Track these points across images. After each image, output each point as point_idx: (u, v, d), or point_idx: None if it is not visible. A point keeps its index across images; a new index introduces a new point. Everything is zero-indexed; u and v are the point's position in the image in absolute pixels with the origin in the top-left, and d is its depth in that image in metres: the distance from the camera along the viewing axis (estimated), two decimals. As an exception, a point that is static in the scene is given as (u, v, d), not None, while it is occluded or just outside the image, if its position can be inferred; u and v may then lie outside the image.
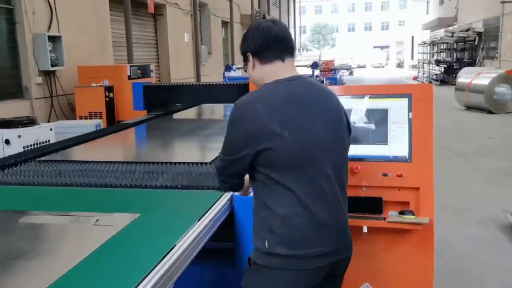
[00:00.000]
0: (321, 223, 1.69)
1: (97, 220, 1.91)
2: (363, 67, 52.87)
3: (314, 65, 8.58)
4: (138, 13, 11.36)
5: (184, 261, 1.63)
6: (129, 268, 1.47)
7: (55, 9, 7.77)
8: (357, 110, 2.44)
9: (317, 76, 8.83)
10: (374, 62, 56.05)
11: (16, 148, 4.98)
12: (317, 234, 1.68)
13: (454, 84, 15.77)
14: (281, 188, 1.66)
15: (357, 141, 2.41)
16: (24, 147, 5.08)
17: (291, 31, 35.64)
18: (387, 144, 2.38)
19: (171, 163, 2.68)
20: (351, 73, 34.40)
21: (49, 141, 5.40)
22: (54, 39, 7.60)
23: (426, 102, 2.36)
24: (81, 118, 7.36)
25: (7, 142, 5.19)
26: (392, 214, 2.31)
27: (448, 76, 23.96)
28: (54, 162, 2.82)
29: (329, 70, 14.62)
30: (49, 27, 7.66)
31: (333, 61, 17.72)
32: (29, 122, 5.52)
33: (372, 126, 2.41)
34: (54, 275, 1.39)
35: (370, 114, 2.42)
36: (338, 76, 14.05)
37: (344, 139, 1.83)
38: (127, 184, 2.35)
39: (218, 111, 5.84)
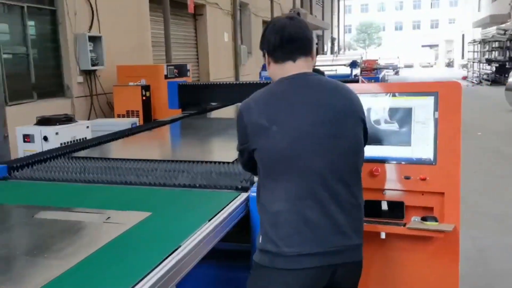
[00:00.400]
0: (310, 222, 1.63)
1: (109, 217, 1.92)
2: (411, 66, 51.58)
3: (353, 64, 8.37)
4: (178, 13, 11.51)
5: (189, 262, 1.59)
6: (129, 268, 1.45)
7: (96, 10, 7.97)
8: (378, 109, 2.31)
9: (355, 76, 8.63)
10: (422, 62, 54.49)
11: (53, 144, 5.12)
12: (303, 233, 1.63)
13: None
14: (272, 184, 1.69)
15: (377, 142, 2.29)
16: (61, 144, 5.22)
17: (335, 30, 35.19)
18: (410, 145, 2.24)
19: (193, 161, 2.67)
20: (396, 73, 33.65)
21: (85, 138, 5.53)
22: (94, 39, 7.80)
23: (454, 101, 2.20)
24: (119, 116, 7.51)
25: (45, 139, 5.36)
26: (414, 220, 2.17)
27: (500, 76, 22.89)
28: (81, 158, 2.89)
29: (371, 70, 14.27)
30: (90, 27, 7.87)
31: (376, 60, 17.32)
32: (66, 120, 5.68)
33: (394, 126, 2.28)
34: (53, 273, 1.39)
35: (393, 113, 2.29)
36: (380, 76, 13.63)
37: (349, 136, 1.73)
38: (146, 182, 2.36)
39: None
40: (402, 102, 2.29)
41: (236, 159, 2.56)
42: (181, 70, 8.34)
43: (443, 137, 2.18)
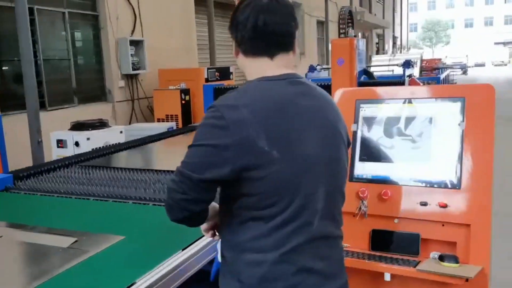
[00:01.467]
0: (304, 270, 1.29)
1: (75, 241, 1.82)
2: (482, 65, 48.78)
3: (406, 64, 7.73)
4: (226, 15, 11.36)
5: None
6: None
7: (139, 13, 7.95)
8: (390, 118, 1.90)
9: (409, 76, 7.99)
10: (495, 60, 51.26)
11: (85, 150, 5.08)
12: (298, 286, 1.28)
13: None
14: (256, 225, 1.28)
15: (388, 159, 1.88)
16: (92, 149, 5.18)
17: (397, 29, 33.79)
18: (428, 163, 1.82)
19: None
20: (464, 72, 31.72)
21: (118, 143, 5.46)
22: (137, 43, 7.79)
23: (485, 108, 1.76)
24: (158, 120, 7.43)
25: (77, 144, 5.34)
26: (433, 258, 1.74)
27: None
28: (87, 168, 2.86)
29: (432, 69, 13.37)
30: (133, 31, 7.86)
31: (440, 59, 16.28)
32: (100, 125, 5.63)
33: (409, 139, 1.86)
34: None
35: (408, 123, 1.87)
36: (442, 76, 12.69)
37: (341, 160, 1.39)
38: (141, 197, 2.26)
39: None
40: (420, 109, 1.87)
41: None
42: (223, 73, 8.12)
43: (471, 153, 1.74)
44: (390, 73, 11.01)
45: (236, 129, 1.21)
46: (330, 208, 1.34)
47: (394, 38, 32.38)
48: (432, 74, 13.11)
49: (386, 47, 29.95)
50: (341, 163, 1.38)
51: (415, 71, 11.89)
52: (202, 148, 1.24)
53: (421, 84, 8.39)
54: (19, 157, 5.18)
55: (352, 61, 2.67)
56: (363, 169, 1.92)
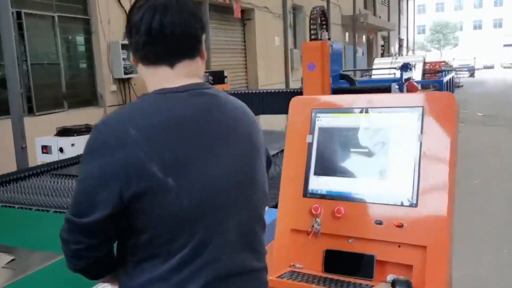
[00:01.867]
0: None
1: (13, 260, 1.72)
2: (491, 67, 48.30)
3: (404, 68, 7.56)
4: (225, 18, 11.27)
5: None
6: None
7: (132, 17, 7.88)
8: (346, 128, 1.76)
9: (406, 80, 7.82)
10: (504, 62, 50.71)
11: (69, 156, 5.01)
12: None
13: None
14: (152, 265, 1.10)
15: (342, 173, 1.74)
16: (78, 155, 5.11)
17: (403, 31, 33.51)
18: (384, 178, 1.68)
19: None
20: (472, 75, 31.36)
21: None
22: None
23: (445, 119, 1.62)
24: (150, 125, 7.34)
25: (61, 150, 5.26)
26: (387, 282, 1.60)
27: None
28: (60, 176, 2.80)
29: (435, 72, 13.15)
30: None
31: (444, 61, 16.05)
32: (86, 130, 5.54)
33: (364, 152, 1.72)
34: None
35: (363, 135, 1.73)
36: (446, 79, 12.46)
37: (257, 181, 1.23)
38: None
39: (277, 122, 5.41)
40: (376, 120, 1.72)
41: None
42: (217, 77, 7.99)
43: (429, 168, 1.59)
44: (392, 76, 10.84)
45: (121, 150, 1.05)
46: (247, 239, 1.18)
47: (400, 40, 32.09)
48: (435, 77, 12.90)
49: (392, 50, 29.68)
50: (257, 185, 1.21)
51: (416, 74, 11.69)
52: (86, 183, 1.08)
53: (419, 88, 8.21)
54: (4, 163, 5.11)
55: (325, 67, 2.51)
56: (318, 184, 1.78)
